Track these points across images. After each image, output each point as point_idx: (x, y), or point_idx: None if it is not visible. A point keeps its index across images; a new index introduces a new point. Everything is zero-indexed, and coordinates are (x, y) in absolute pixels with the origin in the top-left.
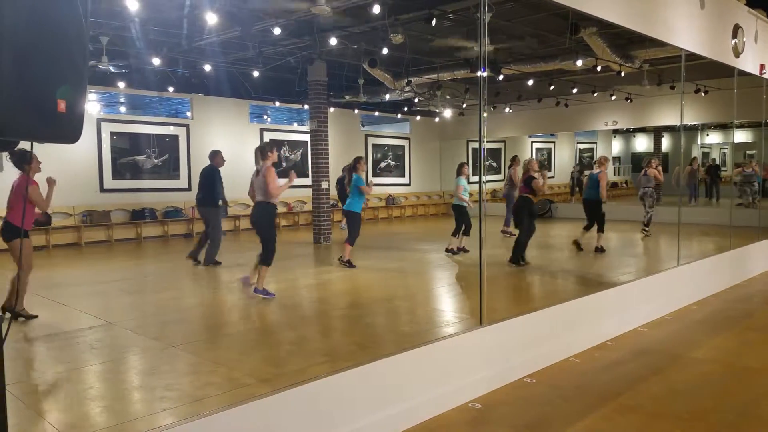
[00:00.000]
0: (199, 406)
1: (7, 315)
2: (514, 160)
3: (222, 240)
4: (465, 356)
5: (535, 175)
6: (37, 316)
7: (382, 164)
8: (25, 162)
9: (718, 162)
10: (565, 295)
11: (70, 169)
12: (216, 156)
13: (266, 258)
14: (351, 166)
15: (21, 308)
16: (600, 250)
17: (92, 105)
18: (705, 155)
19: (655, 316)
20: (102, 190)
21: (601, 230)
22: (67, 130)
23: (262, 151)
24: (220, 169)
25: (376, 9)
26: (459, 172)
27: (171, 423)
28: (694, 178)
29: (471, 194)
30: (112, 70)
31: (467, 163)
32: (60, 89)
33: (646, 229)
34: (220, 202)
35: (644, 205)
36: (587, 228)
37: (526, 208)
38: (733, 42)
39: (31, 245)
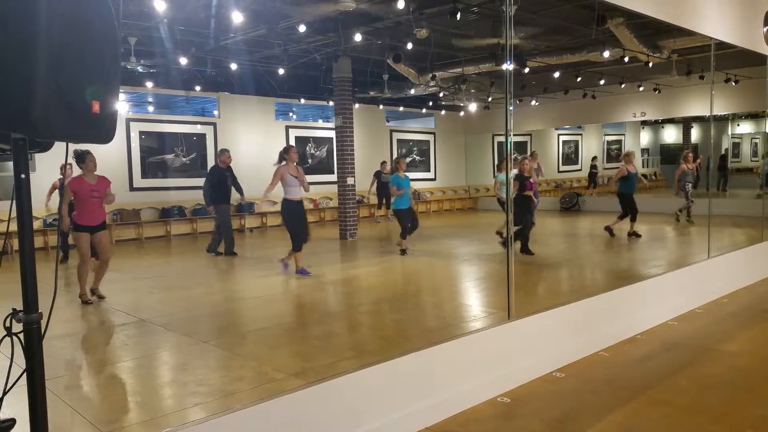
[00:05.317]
0: (230, 400)
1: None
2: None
3: (231, 235)
4: (493, 350)
5: (526, 174)
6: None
7: (408, 159)
8: (80, 162)
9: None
10: (593, 288)
11: (101, 168)
12: (221, 155)
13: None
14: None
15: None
16: (632, 234)
17: (121, 105)
18: (735, 145)
19: (685, 309)
20: (132, 188)
21: (631, 219)
22: (102, 131)
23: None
24: (232, 165)
25: (401, 4)
26: (499, 168)
27: (203, 417)
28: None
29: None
30: (140, 70)
31: (506, 158)
32: (90, 89)
33: (682, 214)
34: (208, 204)
35: (686, 196)
36: (621, 217)
37: (525, 206)
38: (764, 30)
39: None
